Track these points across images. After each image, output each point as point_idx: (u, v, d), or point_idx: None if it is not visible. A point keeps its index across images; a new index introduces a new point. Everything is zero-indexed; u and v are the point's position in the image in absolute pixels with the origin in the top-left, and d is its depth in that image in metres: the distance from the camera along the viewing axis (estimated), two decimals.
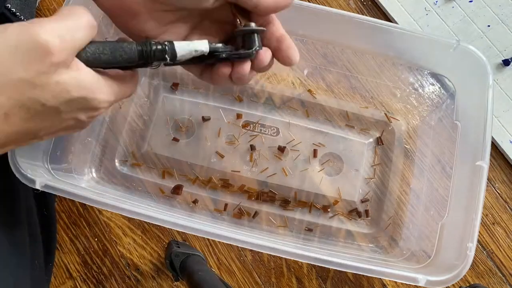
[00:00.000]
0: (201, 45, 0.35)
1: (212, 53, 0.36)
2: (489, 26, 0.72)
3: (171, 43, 0.34)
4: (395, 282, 0.65)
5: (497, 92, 0.69)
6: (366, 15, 0.69)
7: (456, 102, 0.56)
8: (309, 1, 0.68)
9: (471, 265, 0.46)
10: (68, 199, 0.67)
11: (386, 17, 0.73)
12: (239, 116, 0.63)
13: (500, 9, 0.72)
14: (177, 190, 0.61)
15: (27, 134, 0.30)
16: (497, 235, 0.67)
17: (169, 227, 0.55)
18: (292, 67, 0.65)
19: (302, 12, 0.51)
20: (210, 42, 0.36)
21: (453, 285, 0.60)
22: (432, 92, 0.61)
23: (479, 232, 0.66)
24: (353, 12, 0.73)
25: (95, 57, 0.32)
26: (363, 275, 0.65)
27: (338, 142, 0.63)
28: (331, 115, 0.64)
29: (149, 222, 0.67)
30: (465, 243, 0.46)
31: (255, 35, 0.37)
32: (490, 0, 0.73)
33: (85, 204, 0.67)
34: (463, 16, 0.72)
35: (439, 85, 0.60)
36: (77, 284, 0.65)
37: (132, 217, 0.46)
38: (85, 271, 0.65)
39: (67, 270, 0.65)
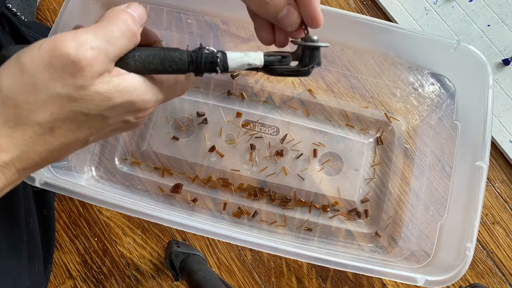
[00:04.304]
0: (256, 59, 0.33)
1: (267, 66, 0.33)
2: (489, 25, 0.72)
3: (223, 54, 0.32)
4: (395, 281, 0.65)
5: (497, 92, 0.69)
6: (366, 15, 0.68)
7: (456, 102, 0.56)
8: None
9: (471, 265, 0.46)
10: (68, 199, 0.67)
11: (386, 16, 0.73)
12: (239, 114, 0.63)
13: (500, 8, 0.72)
14: (176, 189, 0.61)
15: (76, 142, 0.31)
16: (497, 234, 0.67)
17: (169, 226, 0.55)
18: None
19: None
20: (265, 55, 0.33)
21: (453, 284, 0.60)
22: (432, 92, 0.61)
23: (479, 231, 0.66)
24: (353, 11, 0.73)
25: (144, 66, 0.31)
26: (362, 275, 0.65)
27: (338, 142, 0.63)
28: (331, 115, 0.64)
29: (148, 222, 0.67)
30: (465, 243, 0.46)
31: (318, 51, 0.34)
32: (490, 0, 0.73)
33: (85, 204, 0.67)
34: (463, 15, 0.72)
35: (439, 85, 0.60)
36: (77, 283, 0.65)
37: (132, 215, 0.46)
38: (85, 270, 0.65)
39: (67, 269, 0.65)
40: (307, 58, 0.34)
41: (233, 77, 0.64)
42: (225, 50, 0.32)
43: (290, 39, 0.37)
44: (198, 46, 0.32)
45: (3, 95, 0.27)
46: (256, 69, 0.33)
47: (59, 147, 0.30)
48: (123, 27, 0.30)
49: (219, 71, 0.32)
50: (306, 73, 0.34)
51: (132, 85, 0.30)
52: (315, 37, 0.34)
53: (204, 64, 0.32)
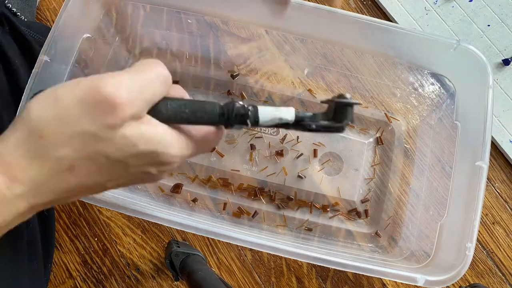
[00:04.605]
0: (287, 114, 0.32)
1: (298, 121, 0.33)
2: (489, 25, 0.72)
3: (255, 108, 0.32)
4: (395, 281, 0.65)
5: (497, 92, 0.69)
6: (366, 15, 0.68)
7: (456, 102, 0.56)
8: (309, 1, 0.68)
9: (471, 265, 0.46)
10: None
11: (386, 16, 0.73)
12: None
13: (500, 8, 0.72)
14: (176, 188, 0.61)
15: (94, 186, 0.30)
16: (497, 234, 0.67)
17: (169, 226, 0.55)
18: (292, 67, 0.65)
19: (302, 11, 0.51)
20: (297, 111, 0.33)
21: (453, 284, 0.60)
22: (432, 92, 0.61)
23: (479, 231, 0.66)
24: (353, 11, 0.73)
25: (175, 115, 0.31)
26: (362, 275, 0.65)
27: (338, 142, 0.63)
28: None
29: (148, 222, 0.67)
30: (464, 243, 0.46)
31: (350, 108, 0.33)
32: (490, 0, 0.73)
33: (85, 204, 0.67)
34: (463, 15, 0.72)
35: (439, 85, 0.60)
36: (77, 283, 0.65)
37: (132, 215, 0.46)
38: (85, 270, 0.65)
39: (67, 269, 0.65)
40: (340, 115, 0.33)
41: (233, 77, 0.64)
42: (256, 105, 0.33)
43: (321, 100, 0.37)
44: (229, 100, 0.33)
45: (32, 124, 0.27)
46: (286, 125, 0.33)
47: (76, 188, 0.29)
48: (157, 72, 0.30)
49: (249, 125, 0.32)
50: (339, 130, 0.34)
51: (160, 134, 0.30)
52: (348, 95, 0.33)
53: (235, 116, 0.32)
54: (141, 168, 0.30)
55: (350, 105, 0.33)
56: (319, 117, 0.33)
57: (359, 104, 0.34)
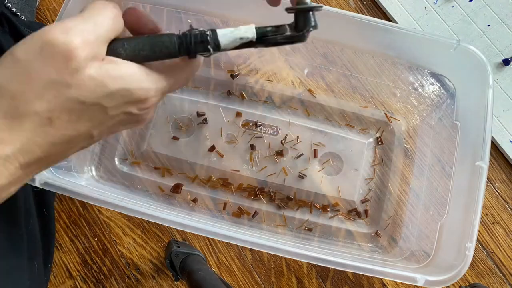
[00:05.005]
0: (247, 32, 0.31)
1: (261, 38, 0.32)
2: (489, 25, 0.72)
3: (213, 31, 0.31)
4: (395, 281, 0.65)
5: (497, 92, 0.69)
6: (366, 15, 0.68)
7: (456, 102, 0.56)
8: None
9: (471, 265, 0.46)
10: (68, 198, 0.67)
11: (386, 16, 0.73)
12: (239, 114, 0.63)
13: (500, 8, 0.72)
14: (176, 188, 0.61)
15: (78, 136, 0.30)
16: (497, 234, 0.67)
17: (169, 226, 0.55)
18: (292, 67, 0.65)
19: None
20: (257, 27, 0.32)
21: (453, 284, 0.60)
22: (432, 92, 0.61)
23: (479, 231, 0.66)
24: (353, 11, 0.73)
25: (134, 54, 0.31)
26: (362, 275, 0.65)
27: (338, 142, 0.63)
28: (331, 115, 0.64)
29: (148, 222, 0.67)
30: (464, 243, 0.46)
31: (311, 13, 0.32)
32: (490, 0, 0.73)
33: (85, 204, 0.67)
34: (463, 15, 0.72)
35: (439, 85, 0.60)
36: (77, 283, 0.65)
37: (132, 215, 0.46)
38: (85, 270, 0.65)
39: (67, 269, 0.65)
40: (301, 22, 0.32)
41: (233, 77, 0.64)
42: (215, 28, 0.31)
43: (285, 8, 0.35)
44: (188, 29, 0.31)
45: (1, 88, 0.27)
46: (250, 44, 0.32)
47: (60, 140, 0.29)
48: (107, 11, 0.30)
49: (212, 50, 0.31)
50: (301, 38, 0.32)
51: (126, 71, 0.30)
52: (307, 0, 0.32)
53: (194, 44, 0.31)
54: (120, 109, 0.31)
55: (311, 9, 0.32)
56: (281, 30, 0.32)
57: (320, 6, 0.33)
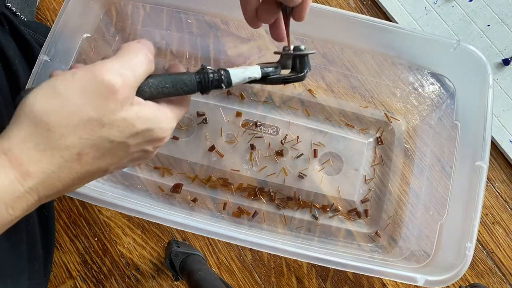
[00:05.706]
0: (254, 72, 0.37)
1: (264, 77, 0.38)
2: (489, 25, 0.72)
3: (226, 72, 0.36)
4: (395, 281, 0.65)
5: (497, 92, 0.69)
6: (366, 15, 0.68)
7: (456, 102, 0.56)
8: None
9: (471, 265, 0.46)
10: (68, 198, 0.67)
11: (386, 16, 0.73)
12: (238, 114, 0.63)
13: (500, 8, 0.72)
14: (176, 188, 0.61)
15: (98, 171, 0.31)
16: (497, 234, 0.67)
17: (169, 226, 0.55)
18: None
19: None
20: (262, 67, 0.37)
21: (453, 284, 0.60)
22: (432, 92, 0.61)
23: (479, 231, 0.66)
24: (353, 11, 0.73)
25: (158, 91, 0.33)
26: (362, 275, 0.65)
27: (338, 142, 0.63)
28: (331, 115, 0.64)
29: (148, 222, 0.67)
30: (464, 243, 0.46)
31: (306, 58, 0.38)
32: (490, 0, 0.73)
33: (84, 204, 0.67)
34: (463, 15, 0.72)
35: (439, 85, 0.60)
36: (77, 283, 0.65)
37: (131, 215, 0.46)
38: (85, 270, 0.65)
39: (67, 269, 0.65)
40: (300, 65, 0.38)
41: None
42: (226, 68, 0.36)
43: (277, 50, 0.40)
44: (201, 67, 0.35)
45: (37, 118, 0.28)
46: (255, 81, 0.37)
47: (82, 176, 0.30)
48: (142, 55, 0.32)
49: (224, 88, 0.36)
50: (302, 78, 0.39)
51: (150, 112, 0.32)
52: (302, 47, 0.38)
53: (211, 82, 0.35)
54: (140, 146, 0.33)
55: (306, 55, 0.38)
56: (279, 70, 0.38)
57: (313, 53, 0.39)
